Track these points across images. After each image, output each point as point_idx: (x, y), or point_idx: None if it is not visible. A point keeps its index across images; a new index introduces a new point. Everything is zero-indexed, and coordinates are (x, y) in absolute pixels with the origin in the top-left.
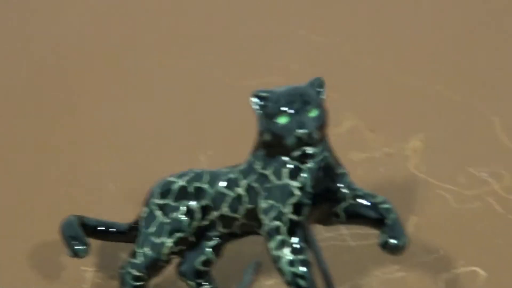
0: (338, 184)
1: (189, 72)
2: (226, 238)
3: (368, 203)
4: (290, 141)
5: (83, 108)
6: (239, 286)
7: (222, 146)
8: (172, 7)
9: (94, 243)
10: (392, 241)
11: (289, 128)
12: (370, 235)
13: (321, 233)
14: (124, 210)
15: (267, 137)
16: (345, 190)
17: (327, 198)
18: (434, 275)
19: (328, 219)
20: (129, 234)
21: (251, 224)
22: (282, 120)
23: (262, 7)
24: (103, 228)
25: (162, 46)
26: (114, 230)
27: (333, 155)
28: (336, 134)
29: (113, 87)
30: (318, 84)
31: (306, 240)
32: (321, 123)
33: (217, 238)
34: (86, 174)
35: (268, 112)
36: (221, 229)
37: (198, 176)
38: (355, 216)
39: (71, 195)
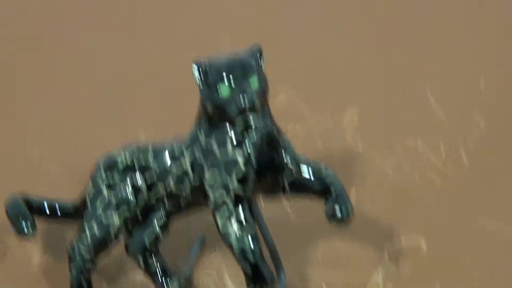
0: (281, 153)
1: (124, 47)
2: (173, 214)
3: (312, 172)
4: (232, 110)
5: (22, 90)
6: (187, 262)
7: (160, 121)
8: None
9: (40, 225)
10: (338, 211)
11: (231, 98)
12: (312, 208)
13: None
14: (67, 190)
15: (209, 107)
16: (288, 160)
17: (271, 168)
18: (376, 248)
19: (273, 191)
20: (74, 213)
21: (197, 200)
22: (224, 89)
23: None
24: (48, 206)
25: (97, 22)
26: (59, 208)
27: (274, 123)
28: (272, 106)
29: (50, 66)
30: (257, 51)
31: (252, 214)
32: (262, 91)
33: (164, 215)
34: (28, 156)
35: (209, 82)
36: (167, 206)
37: (142, 150)
38: (299, 187)
39: (15, 179)
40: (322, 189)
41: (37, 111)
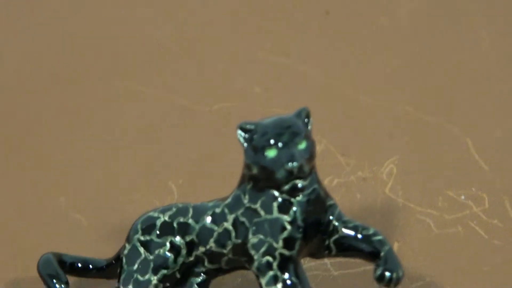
0: (328, 217)
1: (152, 98)
2: (213, 273)
3: (360, 236)
4: (280, 174)
5: (44, 136)
6: None
7: (191, 173)
8: (130, 28)
9: (71, 278)
10: (388, 274)
11: (279, 161)
12: (352, 263)
13: (304, 262)
14: (95, 245)
15: (255, 170)
16: (335, 222)
17: (318, 231)
18: None
19: (319, 253)
20: (107, 270)
21: (238, 259)
22: (271, 153)
23: (219, 29)
24: (81, 265)
25: (125, 71)
26: (92, 266)
27: (322, 187)
28: None
29: (75, 114)
30: (305, 114)
31: (298, 275)
32: (310, 155)
33: (204, 274)
34: (55, 208)
35: (255, 145)
36: (207, 264)
37: (182, 211)
38: (346, 249)
39: (41, 230)
40: (371, 252)
41: (64, 162)
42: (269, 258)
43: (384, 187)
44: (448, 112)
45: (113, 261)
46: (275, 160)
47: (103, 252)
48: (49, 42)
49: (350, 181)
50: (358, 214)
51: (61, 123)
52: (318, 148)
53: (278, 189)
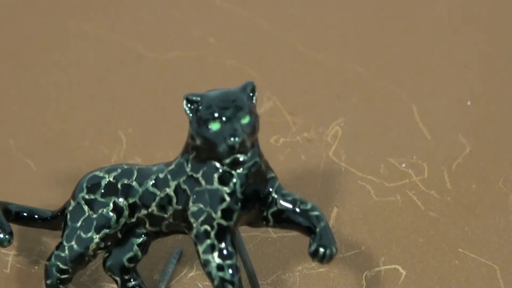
0: (268, 189)
1: (107, 42)
2: (153, 235)
3: (298, 210)
4: (222, 148)
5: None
6: (162, 275)
7: (141, 122)
8: None
9: (15, 226)
10: (322, 250)
11: (221, 135)
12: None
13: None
14: (43, 191)
15: (198, 141)
16: (274, 195)
17: (256, 203)
18: (356, 271)
19: (257, 223)
20: (52, 222)
21: (178, 224)
22: (214, 126)
23: None
24: (27, 214)
25: (81, 12)
26: (37, 217)
27: (263, 160)
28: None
29: (29, 55)
30: (251, 89)
31: (234, 244)
32: (253, 129)
33: (144, 236)
34: (3, 152)
35: (200, 117)
36: (148, 227)
37: (127, 173)
38: (283, 221)
39: None
40: (307, 227)
41: (15, 101)
42: (207, 227)
43: (328, 150)
44: (397, 77)
45: (58, 214)
46: (218, 133)
47: (48, 199)
48: None
49: (296, 142)
50: (300, 176)
51: (14, 64)
52: (267, 105)
53: (219, 161)
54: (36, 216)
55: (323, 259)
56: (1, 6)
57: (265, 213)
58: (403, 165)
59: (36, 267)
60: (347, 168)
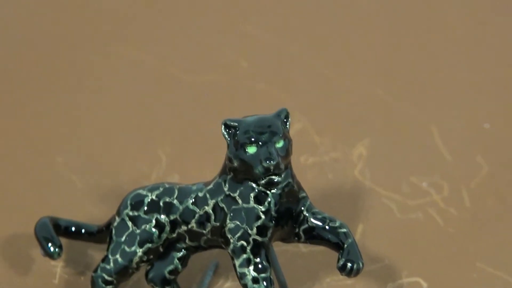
0: (300, 208)
1: (143, 66)
2: (192, 250)
3: (327, 227)
4: (258, 170)
5: (42, 98)
6: (199, 286)
7: (179, 142)
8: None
9: (63, 240)
10: (350, 265)
11: (257, 158)
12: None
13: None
14: (87, 207)
15: (236, 163)
16: (306, 213)
17: (289, 220)
18: (379, 284)
19: (289, 239)
20: (97, 236)
21: (216, 240)
22: (251, 150)
23: (209, 2)
24: (74, 229)
25: (122, 37)
26: (84, 231)
27: (295, 181)
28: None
29: (72, 76)
30: (285, 115)
31: (268, 259)
32: (286, 153)
33: (184, 250)
34: (50, 169)
35: (238, 141)
36: (188, 242)
37: (168, 191)
38: (314, 237)
39: (37, 189)
40: (336, 243)
41: (57, 126)
42: (244, 243)
43: (353, 169)
44: (416, 98)
45: (104, 228)
46: (254, 156)
47: (93, 214)
48: (49, 2)
49: (323, 161)
50: (328, 193)
51: (59, 85)
52: (297, 126)
53: (255, 182)
54: (83, 231)
55: (350, 272)
56: (47, 31)
57: (297, 230)
58: (424, 184)
59: (82, 278)
60: (372, 187)
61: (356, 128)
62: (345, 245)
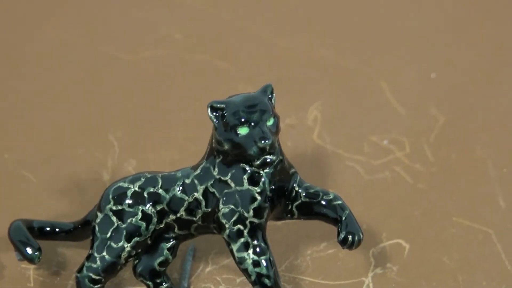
0: (292, 184)
1: (79, 47)
2: (182, 238)
3: (323, 202)
4: (252, 151)
5: None
6: (182, 273)
7: (128, 124)
8: None
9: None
10: (350, 237)
11: (251, 139)
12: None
13: None
14: (48, 201)
15: (226, 146)
16: (298, 189)
17: (282, 198)
18: (362, 250)
19: (282, 217)
20: (74, 233)
21: (207, 226)
22: (243, 131)
23: None
24: (49, 229)
25: (55, 20)
26: (59, 230)
27: (285, 157)
28: None
29: (12, 66)
30: (270, 90)
31: (265, 239)
32: (277, 129)
33: (173, 239)
34: (1, 165)
35: (227, 123)
36: (177, 231)
37: (151, 181)
38: (309, 213)
39: None
40: (333, 216)
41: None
42: (240, 227)
43: (311, 134)
44: (362, 55)
45: (79, 226)
46: (247, 137)
47: (55, 209)
48: None
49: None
50: (291, 162)
51: None
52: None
53: (247, 163)
54: (57, 230)
55: (352, 245)
56: None
57: (290, 207)
58: (385, 141)
59: (58, 278)
60: (334, 151)
61: (305, 92)
62: (343, 218)
